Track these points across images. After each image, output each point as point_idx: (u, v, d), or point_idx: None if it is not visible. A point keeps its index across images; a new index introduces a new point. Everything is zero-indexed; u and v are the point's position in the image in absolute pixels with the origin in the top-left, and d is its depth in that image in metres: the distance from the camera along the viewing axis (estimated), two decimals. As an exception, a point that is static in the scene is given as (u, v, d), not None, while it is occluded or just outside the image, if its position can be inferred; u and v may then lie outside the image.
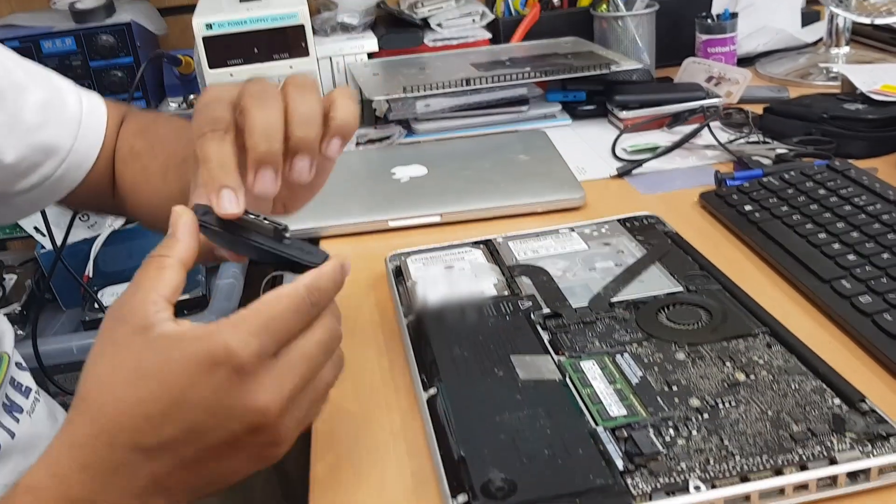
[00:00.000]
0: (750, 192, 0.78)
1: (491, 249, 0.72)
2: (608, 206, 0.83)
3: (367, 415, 0.55)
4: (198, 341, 0.39)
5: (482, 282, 0.66)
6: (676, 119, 1.01)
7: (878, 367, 0.54)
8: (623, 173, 0.90)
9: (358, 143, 1.05)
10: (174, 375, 0.38)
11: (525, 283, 0.65)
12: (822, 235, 0.68)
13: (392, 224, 0.82)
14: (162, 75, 1.32)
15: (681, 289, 0.62)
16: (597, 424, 0.48)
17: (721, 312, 0.59)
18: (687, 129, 1.00)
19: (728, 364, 0.53)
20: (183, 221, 0.44)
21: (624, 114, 1.03)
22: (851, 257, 0.64)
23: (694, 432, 0.47)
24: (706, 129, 0.93)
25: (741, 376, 0.52)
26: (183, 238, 0.43)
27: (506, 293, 0.64)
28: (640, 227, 0.73)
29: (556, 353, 0.56)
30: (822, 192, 0.75)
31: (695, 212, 0.81)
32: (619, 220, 0.75)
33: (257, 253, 0.45)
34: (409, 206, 0.83)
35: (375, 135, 1.07)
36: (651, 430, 0.47)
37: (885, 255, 0.63)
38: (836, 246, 0.66)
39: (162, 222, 0.45)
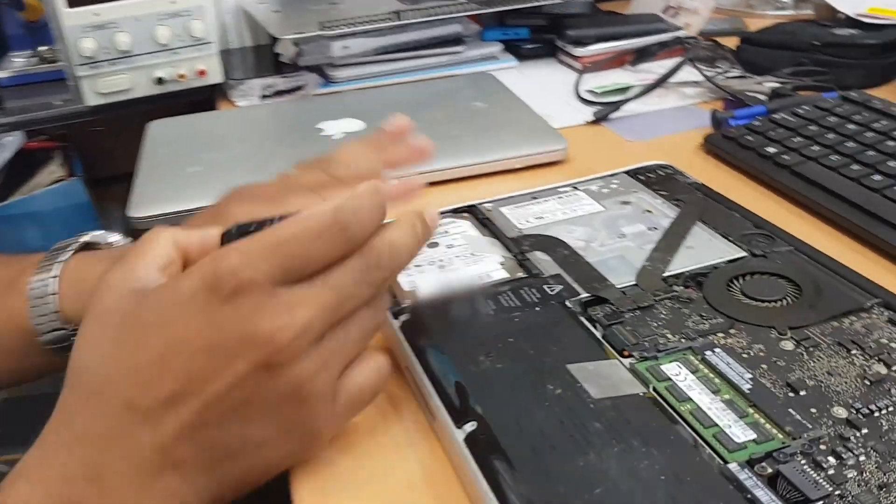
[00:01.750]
0: (765, 132, 0.65)
1: (480, 218, 0.56)
2: (595, 158, 0.69)
3: (373, 469, 0.38)
4: (193, 272, 0.33)
5: (484, 261, 0.50)
6: (642, 55, 0.88)
7: None
8: (600, 118, 0.76)
9: (264, 97, 0.86)
10: (165, 316, 0.33)
11: (542, 260, 0.50)
12: (877, 178, 0.56)
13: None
14: (1, 23, 1.06)
15: (744, 254, 0.49)
16: (724, 459, 0.34)
17: (810, 282, 0.45)
18: (654, 65, 0.87)
19: (855, 352, 0.40)
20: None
21: (580, 51, 0.89)
22: (928, 201, 0.52)
23: (861, 457, 0.34)
24: (685, 65, 0.80)
25: (881, 368, 0.39)
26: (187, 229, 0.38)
27: (521, 275, 0.48)
28: (657, 180, 0.59)
29: (621, 355, 0.41)
30: (851, 126, 0.64)
31: (700, 158, 0.68)
32: (628, 173, 0.61)
33: None
34: (353, 169, 0.65)
35: (284, 85, 0.88)
36: (803, 460, 0.34)
37: (971, 197, 0.52)
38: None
39: None
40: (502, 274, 0.49)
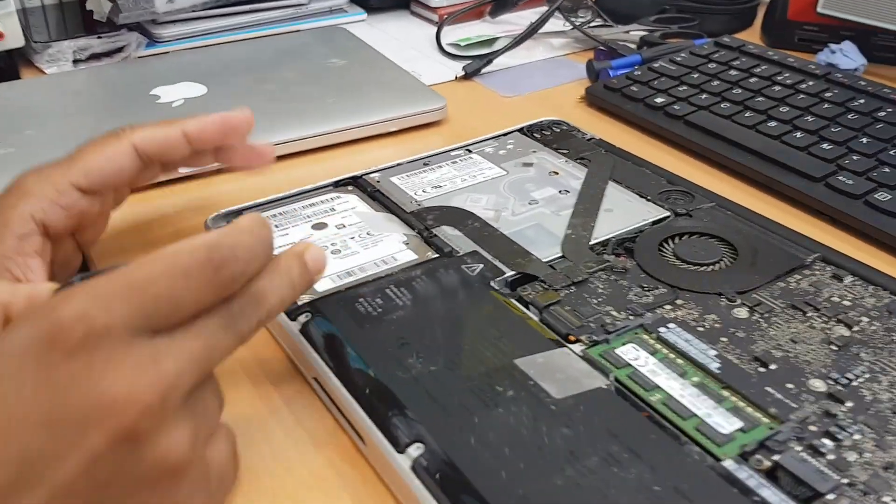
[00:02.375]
0: (647, 82, 0.62)
1: (369, 191, 0.48)
2: (474, 116, 0.63)
3: (296, 511, 0.31)
4: (22, 323, 0.24)
5: (384, 242, 0.43)
6: (500, 6, 0.82)
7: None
8: (471, 73, 0.70)
9: (77, 61, 0.73)
10: None
11: (452, 236, 0.43)
12: (773, 124, 0.54)
13: (183, 170, 0.54)
14: None
15: (667, 213, 0.45)
16: (716, 456, 0.30)
17: (743, 240, 0.42)
18: (514, 17, 0.82)
19: (812, 314, 0.37)
20: None
21: (436, 2, 0.82)
22: (801, 137, 0.51)
23: (856, 436, 0.30)
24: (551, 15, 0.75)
25: (843, 330, 0.36)
26: None
27: (431, 255, 0.42)
28: (553, 138, 0.54)
29: (566, 340, 0.36)
30: (734, 73, 0.62)
31: (584, 112, 0.63)
32: (521, 131, 0.55)
33: None
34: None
35: (101, 46, 0.75)
36: (799, 447, 0.30)
37: (836, 129, 0.51)
38: (796, 132, 0.52)
39: None
40: (409, 255, 0.42)
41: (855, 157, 0.49)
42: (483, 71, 0.71)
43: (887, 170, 0.48)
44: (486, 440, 0.30)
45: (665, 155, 0.56)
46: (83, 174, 0.39)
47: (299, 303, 0.38)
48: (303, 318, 0.37)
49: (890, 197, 0.46)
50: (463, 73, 0.70)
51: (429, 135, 0.61)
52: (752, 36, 0.76)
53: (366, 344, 0.35)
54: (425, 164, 0.51)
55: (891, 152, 0.49)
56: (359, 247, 0.43)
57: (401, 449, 0.30)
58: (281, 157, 0.55)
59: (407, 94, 0.62)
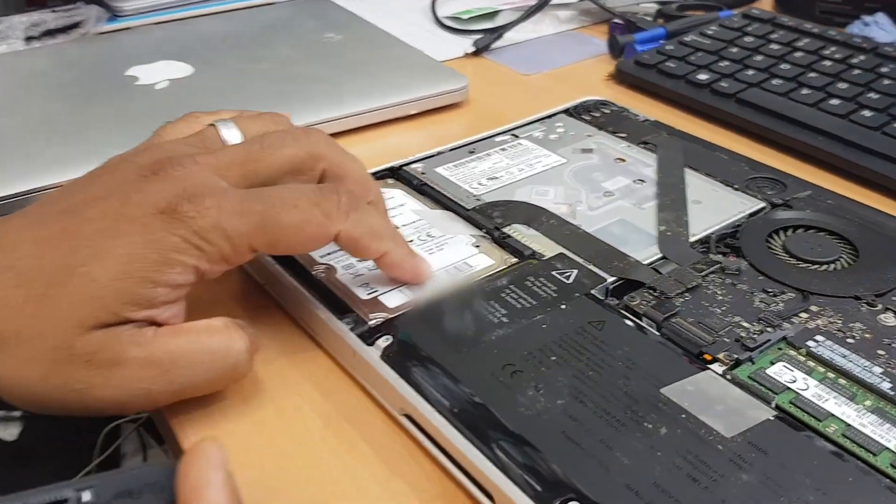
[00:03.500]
0: (685, 57, 0.57)
1: (414, 184, 0.42)
2: (497, 97, 0.57)
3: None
4: None
5: (450, 245, 0.37)
6: (496, -25, 0.76)
7: None
8: (481, 49, 0.64)
9: (30, 38, 0.63)
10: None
11: (528, 236, 0.37)
12: (835, 101, 0.50)
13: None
14: None
15: (762, 204, 0.40)
16: (932, 500, 0.25)
17: (858, 233, 0.38)
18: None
19: (967, 319, 0.32)
20: None
21: (427, -29, 0.75)
22: (871, 116, 0.47)
23: None
24: (558, -18, 0.70)
25: None
26: None
27: (513, 260, 0.36)
28: (605, 120, 0.49)
29: (700, 360, 0.30)
30: (775, 47, 0.57)
31: (615, 90, 0.58)
32: (567, 113, 0.50)
33: None
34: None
35: (56, 21, 0.65)
36: None
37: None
38: (862, 110, 0.48)
39: None
40: (484, 260, 0.36)
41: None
42: (492, 47, 0.64)
43: (978, 150, 0.44)
44: (650, 494, 0.24)
45: (720, 137, 0.51)
46: (269, 246, 0.30)
47: (372, 323, 0.32)
48: (382, 343, 0.31)
49: None
50: (474, 48, 0.63)
51: (451, 118, 0.54)
52: (769, 5, 0.72)
53: (470, 374, 0.29)
54: (471, 153, 0.45)
55: (975, 131, 0.46)
56: (423, 252, 0.36)
57: (548, 508, 0.24)
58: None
59: (424, 74, 0.56)
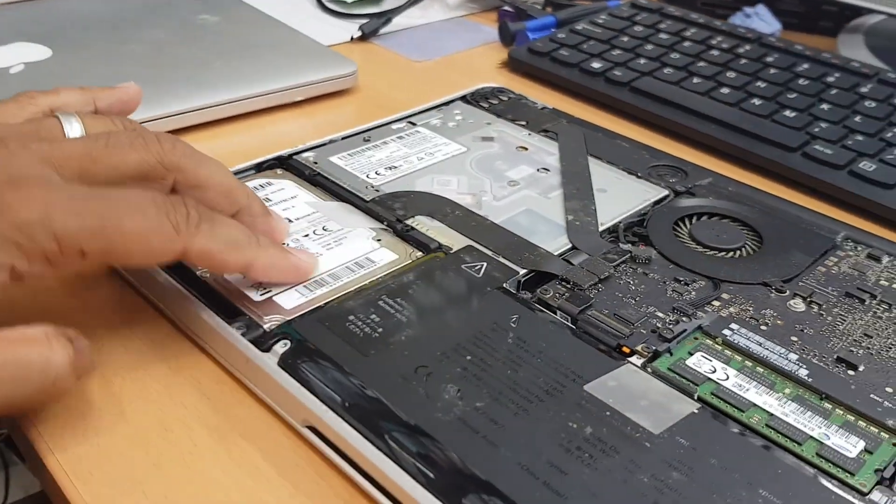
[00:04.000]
0: (577, 45, 0.57)
1: (306, 175, 0.39)
2: (386, 83, 0.55)
3: None
4: None
5: (349, 239, 0.34)
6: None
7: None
8: (369, 34, 0.61)
9: None
10: None
11: (432, 227, 0.35)
12: (725, 90, 0.50)
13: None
14: None
15: (666, 192, 0.39)
16: (859, 490, 0.24)
17: (760, 219, 0.37)
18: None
19: (872, 302, 0.33)
20: None
21: (308, -47, 0.72)
22: (761, 105, 0.48)
23: None
24: (445, -33, 0.68)
25: (909, 318, 0.32)
26: None
27: (417, 254, 0.34)
28: (503, 107, 0.47)
29: (618, 352, 0.29)
30: (664, 36, 0.57)
31: (508, 78, 0.57)
32: (463, 100, 0.48)
33: None
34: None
35: None
36: (940, 468, 0.25)
37: (792, 96, 0.48)
38: (752, 98, 0.49)
39: None
40: (387, 255, 0.33)
41: (823, 126, 0.46)
42: (380, 32, 0.62)
43: (860, 138, 0.45)
44: (585, 501, 0.23)
45: (616, 125, 0.50)
46: (102, 252, 0.27)
47: (267, 327, 0.29)
48: (280, 348, 0.28)
49: (875, 167, 0.43)
50: (360, 33, 0.60)
51: (341, 105, 0.51)
52: None
53: (380, 378, 0.27)
54: (366, 140, 0.42)
55: (856, 119, 0.47)
56: (320, 247, 0.33)
57: (476, 525, 0.22)
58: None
59: (309, 58, 0.52)
